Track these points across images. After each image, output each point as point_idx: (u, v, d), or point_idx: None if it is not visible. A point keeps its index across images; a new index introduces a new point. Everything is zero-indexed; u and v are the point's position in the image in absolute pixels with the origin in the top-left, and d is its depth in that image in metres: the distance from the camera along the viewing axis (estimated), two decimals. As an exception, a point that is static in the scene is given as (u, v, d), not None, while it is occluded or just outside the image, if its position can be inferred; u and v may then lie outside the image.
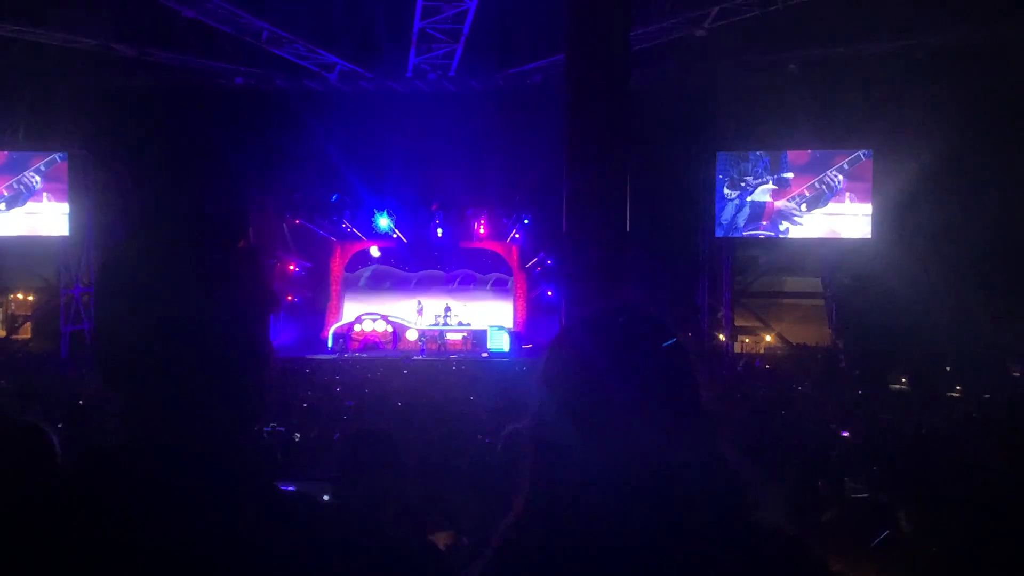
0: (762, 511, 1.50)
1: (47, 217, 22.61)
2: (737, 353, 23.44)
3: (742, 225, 22.17)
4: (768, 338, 24.55)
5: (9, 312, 26.66)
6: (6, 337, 25.07)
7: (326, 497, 4.26)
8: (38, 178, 22.59)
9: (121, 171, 21.94)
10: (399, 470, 3.16)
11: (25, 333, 26.04)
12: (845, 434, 9.31)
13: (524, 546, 1.50)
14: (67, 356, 22.21)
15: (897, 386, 17.85)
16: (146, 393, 1.38)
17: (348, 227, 28.50)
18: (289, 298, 27.70)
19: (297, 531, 1.35)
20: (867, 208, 21.62)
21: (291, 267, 27.98)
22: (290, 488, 1.50)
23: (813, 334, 23.50)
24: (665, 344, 1.57)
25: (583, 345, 1.59)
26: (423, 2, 16.93)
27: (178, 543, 1.28)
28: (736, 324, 23.95)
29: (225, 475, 1.36)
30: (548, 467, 1.53)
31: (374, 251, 29.64)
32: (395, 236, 28.83)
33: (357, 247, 29.66)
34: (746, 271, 23.79)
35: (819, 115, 20.98)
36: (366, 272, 30.14)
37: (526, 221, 27.44)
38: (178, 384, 1.37)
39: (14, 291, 26.22)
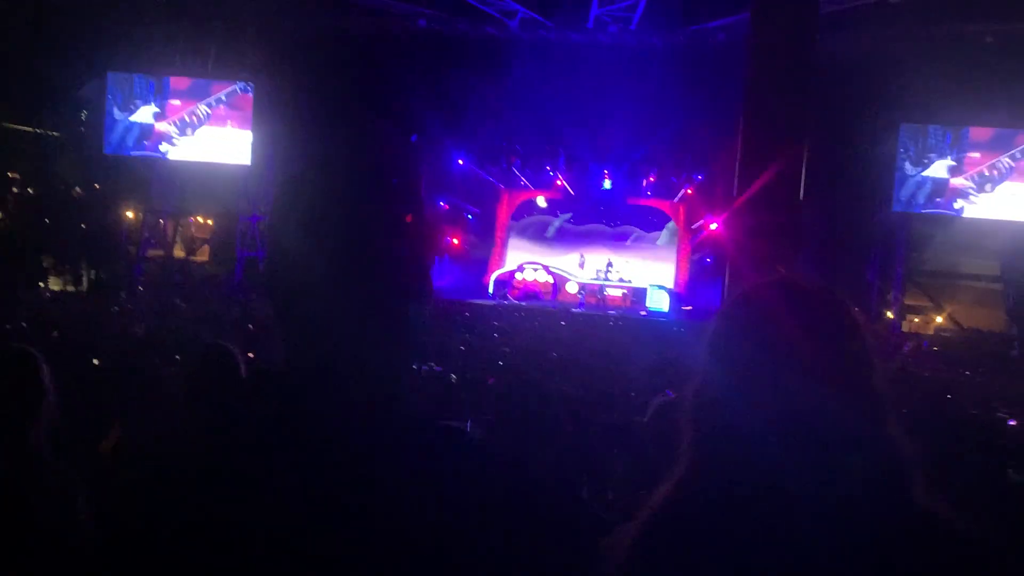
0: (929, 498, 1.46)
1: (230, 145, 23.36)
2: (904, 332, 22.70)
3: (922, 202, 21.37)
4: (939, 319, 23.67)
5: (189, 234, 27.81)
6: (185, 258, 26.19)
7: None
8: (221, 106, 23.35)
9: (303, 105, 22.54)
10: (551, 423, 3.17)
11: (203, 255, 27.17)
12: (1012, 423, 8.94)
13: (683, 513, 1.50)
14: (241, 279, 23.10)
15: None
16: (313, 321, 1.43)
17: (517, 175, 28.66)
18: (455, 241, 28.10)
19: (458, 463, 1.39)
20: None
21: (460, 211, 28.34)
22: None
23: (987, 319, 22.53)
24: (841, 322, 1.55)
25: (754, 317, 1.57)
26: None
27: (335, 468, 1.33)
28: (906, 303, 23.15)
29: (386, 405, 1.41)
30: (711, 437, 1.52)
31: (541, 201, 29.77)
32: (563, 187, 28.86)
33: (524, 196, 29.83)
34: (920, 249, 22.92)
35: (1009, 91, 19.93)
36: (532, 221, 30.32)
37: (698, 178, 27.06)
38: (343, 315, 1.41)
39: (195, 214, 27.30)
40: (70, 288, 21.61)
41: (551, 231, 30.06)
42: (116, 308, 15.24)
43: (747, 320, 1.58)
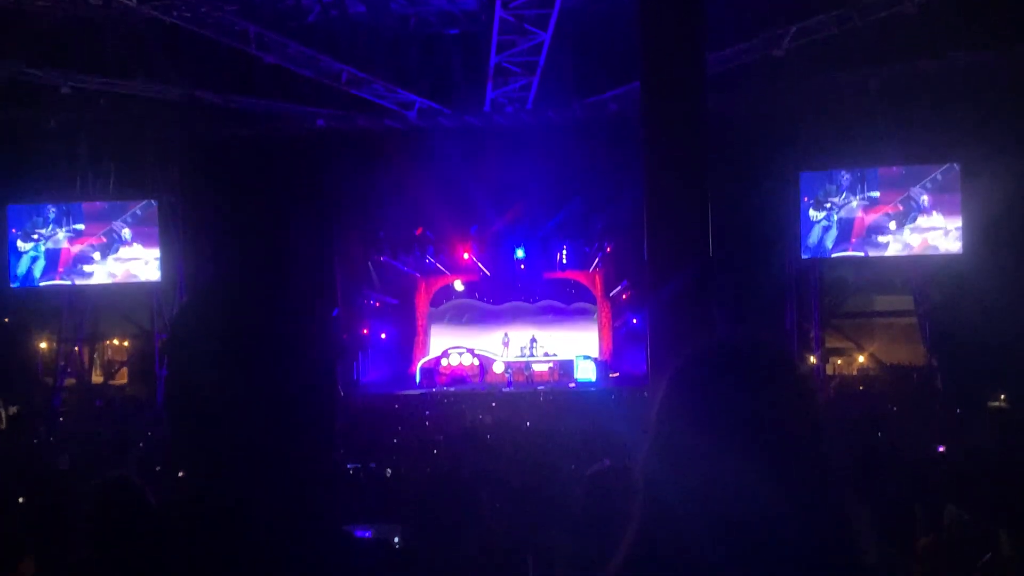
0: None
1: (140, 263, 22.93)
2: (829, 375, 22.99)
3: (830, 247, 21.54)
4: (861, 359, 24.05)
5: (106, 358, 27.27)
6: (104, 383, 25.62)
7: (396, 539, 4.29)
8: (127, 229, 22.90)
9: (209, 216, 22.38)
10: (477, 509, 3.13)
11: (122, 378, 26.58)
12: (942, 449, 9.10)
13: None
14: (162, 400, 22.51)
15: (996, 404, 17.34)
16: (216, 443, 1.37)
17: (432, 262, 28.72)
18: (383, 336, 27.98)
19: None
20: (957, 222, 20.90)
21: (377, 304, 28.23)
22: (365, 534, 1.50)
23: (907, 353, 22.91)
24: (790, 385, 1.50)
25: (706, 382, 1.53)
26: (498, 37, 17.01)
27: None
28: (827, 346, 23.39)
29: (296, 524, 1.36)
30: (660, 506, 1.49)
31: (458, 285, 29.85)
32: (479, 269, 28.96)
33: (441, 282, 29.87)
34: (835, 291, 23.17)
35: (904, 130, 20.38)
36: (451, 306, 30.33)
37: (608, 249, 27.36)
38: (249, 433, 1.35)
39: (110, 337, 26.80)
40: (-12, 427, 21.02)
41: (448, 316, 30.07)
42: (36, 440, 14.87)
43: (696, 386, 1.54)
